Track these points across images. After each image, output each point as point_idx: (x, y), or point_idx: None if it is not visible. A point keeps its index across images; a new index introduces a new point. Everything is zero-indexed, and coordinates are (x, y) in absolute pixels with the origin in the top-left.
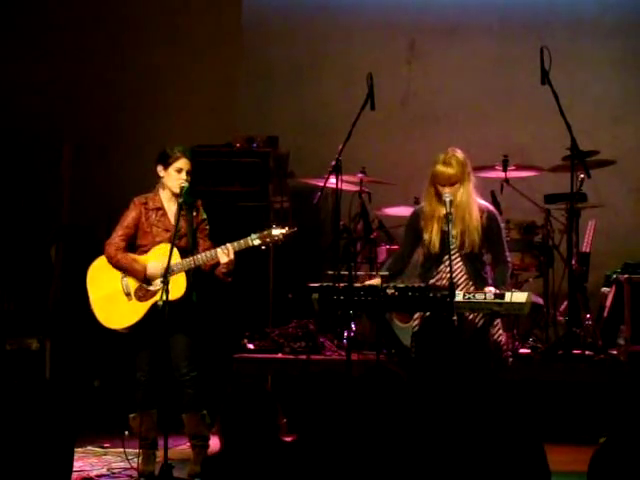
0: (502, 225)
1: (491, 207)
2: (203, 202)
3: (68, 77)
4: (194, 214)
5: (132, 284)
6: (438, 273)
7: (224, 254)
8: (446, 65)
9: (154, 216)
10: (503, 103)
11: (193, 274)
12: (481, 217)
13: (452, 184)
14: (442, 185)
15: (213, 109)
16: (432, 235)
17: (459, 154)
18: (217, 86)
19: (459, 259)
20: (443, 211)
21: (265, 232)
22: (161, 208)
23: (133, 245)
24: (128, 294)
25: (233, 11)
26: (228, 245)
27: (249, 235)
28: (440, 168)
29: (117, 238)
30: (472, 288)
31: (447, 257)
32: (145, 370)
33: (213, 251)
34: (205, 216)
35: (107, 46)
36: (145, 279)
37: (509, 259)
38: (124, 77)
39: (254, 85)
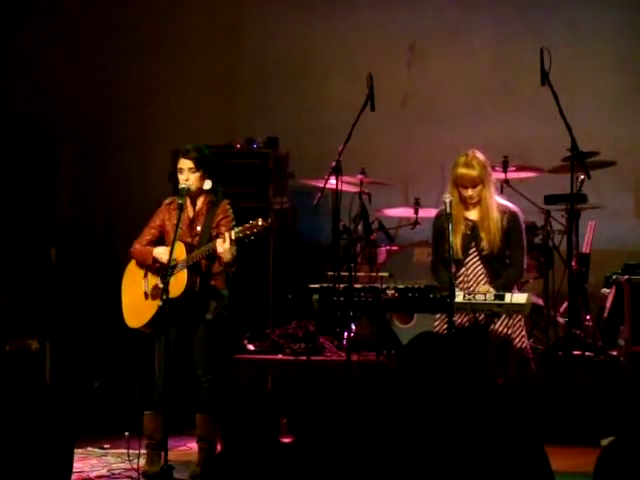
0: (523, 226)
1: (513, 207)
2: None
3: (68, 77)
4: (217, 212)
5: (150, 283)
6: (460, 275)
7: (220, 244)
8: (446, 66)
9: (175, 216)
10: (503, 104)
11: (227, 274)
12: (502, 219)
13: (475, 186)
14: (465, 187)
15: (213, 109)
16: (456, 238)
17: (480, 155)
18: (217, 86)
19: (479, 261)
20: (467, 214)
21: (247, 224)
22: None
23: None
24: (146, 293)
25: (233, 11)
26: (226, 233)
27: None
28: (463, 170)
29: (143, 239)
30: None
31: (469, 259)
32: (163, 371)
33: (211, 243)
34: (229, 214)
35: (107, 46)
36: (154, 265)
37: (524, 264)
38: (124, 77)
39: (254, 86)
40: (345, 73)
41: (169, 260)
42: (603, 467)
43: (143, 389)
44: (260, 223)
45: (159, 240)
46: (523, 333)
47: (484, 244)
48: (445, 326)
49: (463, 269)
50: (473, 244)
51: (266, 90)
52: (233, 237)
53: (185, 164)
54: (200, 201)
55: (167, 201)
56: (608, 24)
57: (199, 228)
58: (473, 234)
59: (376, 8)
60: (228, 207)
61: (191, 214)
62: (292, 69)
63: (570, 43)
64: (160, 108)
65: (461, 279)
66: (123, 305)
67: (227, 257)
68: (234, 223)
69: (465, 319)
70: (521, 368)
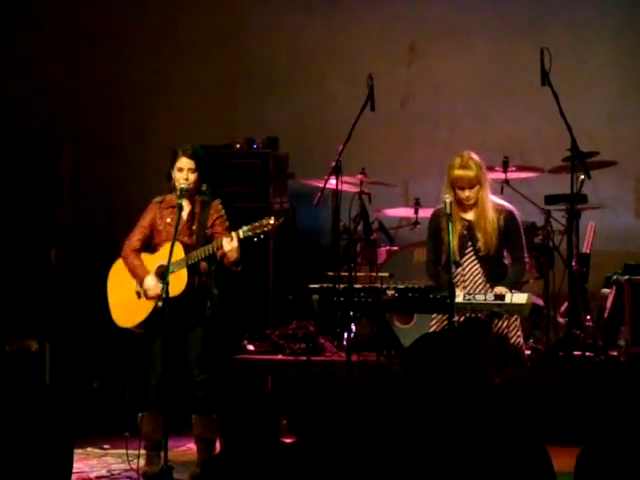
0: (521, 224)
1: (508, 206)
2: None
3: (68, 77)
4: (210, 212)
5: None
6: (457, 275)
7: (227, 242)
8: (446, 66)
9: (167, 214)
10: (503, 104)
11: (216, 274)
12: (498, 218)
13: (472, 187)
14: (462, 188)
15: (213, 110)
16: (453, 238)
17: (475, 156)
18: (217, 86)
19: (476, 261)
20: (463, 215)
21: (256, 223)
22: (174, 206)
23: (151, 245)
24: (138, 292)
25: (233, 11)
26: (233, 232)
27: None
28: (459, 172)
29: (134, 238)
30: (490, 290)
31: (465, 259)
32: (158, 372)
33: (213, 243)
34: (222, 213)
35: (107, 46)
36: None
37: (526, 259)
38: (124, 77)
39: (254, 86)
40: (345, 73)
41: (169, 262)
42: (583, 466)
43: (134, 390)
44: (271, 222)
45: (148, 239)
46: (519, 333)
47: (480, 244)
48: (442, 326)
49: (460, 269)
50: (469, 244)
51: (266, 90)
52: (242, 236)
53: (186, 164)
54: (195, 201)
55: (157, 199)
56: (608, 24)
57: (194, 228)
58: (469, 234)
59: (376, 8)
60: (221, 207)
61: (187, 214)
62: (292, 69)
63: (570, 43)
64: (160, 108)
65: (458, 279)
66: (111, 304)
67: (234, 256)
68: (228, 223)
69: (462, 320)
70: (517, 367)
